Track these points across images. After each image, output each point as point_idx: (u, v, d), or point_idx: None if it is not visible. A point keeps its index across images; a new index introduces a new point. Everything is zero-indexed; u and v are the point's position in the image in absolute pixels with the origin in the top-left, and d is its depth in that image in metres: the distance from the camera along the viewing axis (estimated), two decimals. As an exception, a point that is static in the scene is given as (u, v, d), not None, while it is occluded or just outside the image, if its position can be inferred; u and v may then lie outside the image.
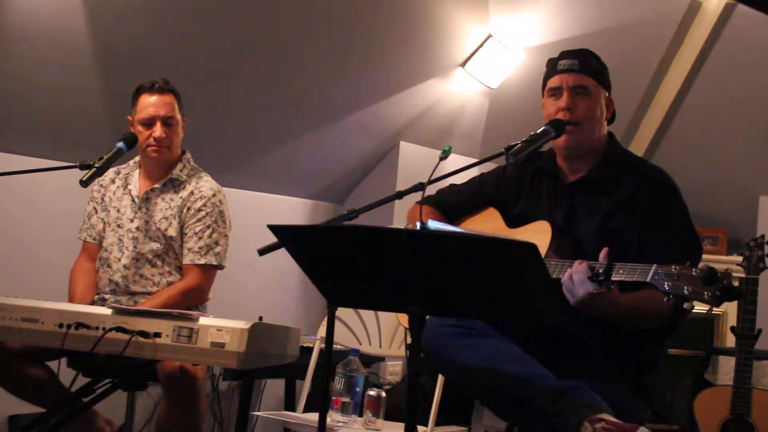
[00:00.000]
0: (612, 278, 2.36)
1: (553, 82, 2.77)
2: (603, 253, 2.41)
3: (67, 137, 4.04)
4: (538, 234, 2.70)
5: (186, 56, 4.06)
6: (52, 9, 3.61)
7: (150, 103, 3.40)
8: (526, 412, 2.42)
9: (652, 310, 2.49)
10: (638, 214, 2.64)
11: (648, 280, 2.27)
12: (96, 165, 3.09)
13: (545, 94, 2.82)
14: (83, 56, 3.82)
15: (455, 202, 3.03)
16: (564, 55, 2.79)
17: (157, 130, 3.39)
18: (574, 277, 2.41)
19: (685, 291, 2.19)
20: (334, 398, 3.07)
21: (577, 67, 2.74)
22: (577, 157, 2.79)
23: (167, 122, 3.41)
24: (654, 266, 2.27)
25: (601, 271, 2.36)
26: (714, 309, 2.25)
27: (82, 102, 3.97)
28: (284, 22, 4.21)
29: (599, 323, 2.58)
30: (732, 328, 4.20)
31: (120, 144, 3.26)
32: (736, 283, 2.65)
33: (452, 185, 3.08)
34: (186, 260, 3.42)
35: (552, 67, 2.80)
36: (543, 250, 2.62)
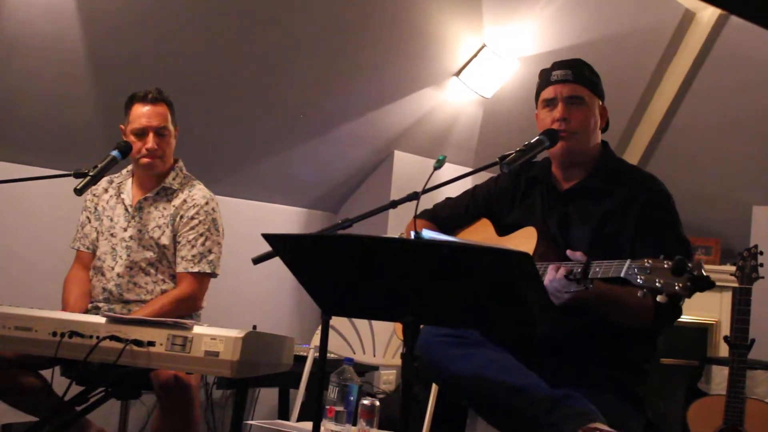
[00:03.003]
0: (589, 276, 2.38)
1: (547, 93, 2.78)
2: (578, 254, 2.43)
3: (62, 146, 4.04)
4: (524, 240, 2.71)
5: (180, 66, 4.07)
6: (46, 19, 3.61)
7: (143, 114, 3.39)
8: (521, 421, 2.42)
9: (633, 303, 2.48)
10: (631, 220, 2.65)
11: (622, 274, 2.29)
12: (90, 173, 3.09)
13: (539, 105, 2.83)
14: (78, 65, 3.82)
15: (450, 215, 3.05)
16: (557, 65, 2.80)
17: (150, 141, 3.39)
18: (555, 284, 2.43)
19: (656, 284, 2.20)
20: (327, 407, 3.06)
21: (571, 78, 2.75)
22: (571, 166, 2.81)
23: (160, 133, 3.41)
24: (628, 261, 2.29)
25: (578, 270, 2.38)
26: (684, 300, 2.24)
27: (77, 111, 3.97)
28: (278, 32, 4.22)
29: (591, 332, 2.59)
30: (725, 338, 4.21)
31: (114, 152, 3.25)
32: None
33: (447, 199, 3.10)
34: (179, 268, 3.42)
35: (545, 78, 2.81)
36: None
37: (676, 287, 2.17)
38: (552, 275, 2.45)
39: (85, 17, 3.68)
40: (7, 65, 3.68)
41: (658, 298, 2.20)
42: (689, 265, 2.16)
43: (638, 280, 2.24)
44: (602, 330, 2.59)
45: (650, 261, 2.23)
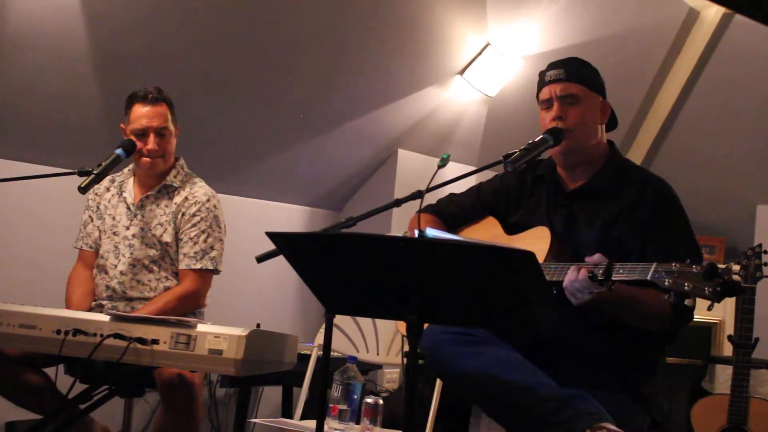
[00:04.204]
0: (613, 278, 2.37)
1: (543, 94, 2.79)
2: (596, 257, 2.42)
3: (66, 144, 4.04)
4: (537, 240, 2.70)
5: (184, 64, 4.07)
6: (51, 16, 3.61)
7: (143, 114, 3.39)
8: (528, 420, 2.42)
9: (653, 305, 2.50)
10: (638, 223, 2.65)
11: (648, 278, 2.28)
12: (94, 171, 3.09)
13: (539, 107, 2.83)
14: (82, 63, 3.82)
15: (454, 212, 3.04)
16: (551, 65, 2.81)
17: (150, 143, 3.39)
18: (576, 285, 2.41)
19: (685, 287, 2.20)
20: (331, 405, 3.06)
21: (563, 76, 2.75)
22: (575, 165, 2.80)
23: (160, 133, 3.41)
24: (654, 264, 2.28)
25: (600, 272, 2.37)
26: (714, 305, 2.24)
27: (81, 109, 3.97)
28: (282, 30, 4.22)
29: (599, 331, 2.59)
30: (729, 337, 4.20)
31: (118, 151, 3.26)
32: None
33: (451, 195, 3.09)
34: (182, 265, 3.42)
35: (541, 79, 2.82)
36: (542, 255, 2.62)
37: (706, 291, 2.17)
38: (573, 275, 2.43)
39: (89, 16, 3.68)
40: (11, 63, 3.68)
41: (687, 302, 2.20)
42: (720, 269, 2.16)
43: (665, 283, 2.23)
44: (610, 329, 2.59)
45: (677, 264, 2.23)
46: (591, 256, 2.45)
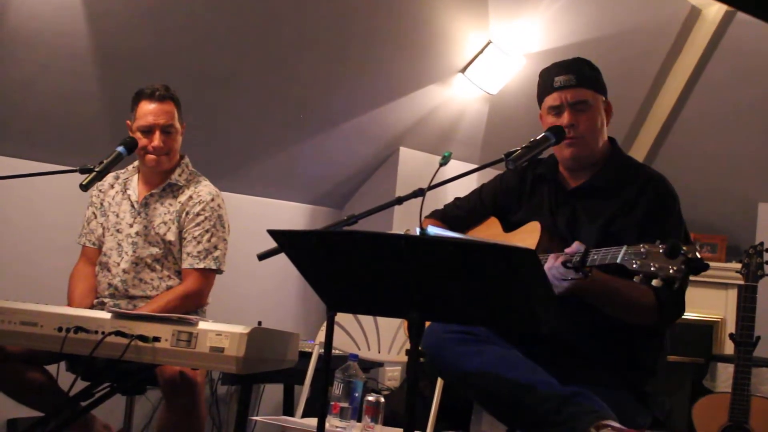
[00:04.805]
0: (587, 263, 2.38)
1: (553, 100, 2.76)
2: (575, 245, 2.44)
3: (68, 141, 4.04)
4: (529, 234, 2.73)
5: (186, 62, 4.07)
6: (53, 14, 3.61)
7: (149, 111, 3.39)
8: (531, 419, 2.42)
9: (633, 296, 2.51)
10: (637, 218, 2.65)
11: (618, 260, 2.29)
12: (96, 169, 3.08)
13: (545, 110, 2.81)
14: (84, 61, 3.82)
15: (459, 215, 3.06)
16: (559, 70, 2.77)
17: (156, 139, 3.39)
18: (553, 272, 2.43)
19: (651, 268, 2.20)
20: (332, 403, 3.06)
21: (574, 82, 2.73)
22: (579, 166, 2.80)
23: (166, 131, 3.41)
24: (624, 247, 2.29)
25: (577, 259, 2.39)
26: (680, 281, 2.24)
27: (83, 106, 3.97)
28: (284, 28, 4.22)
29: (599, 330, 2.59)
30: (731, 335, 4.20)
31: (120, 148, 3.26)
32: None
33: (456, 199, 3.11)
34: (185, 264, 3.42)
35: (548, 83, 2.78)
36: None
37: (671, 270, 2.17)
38: (550, 263, 2.46)
39: (91, 13, 3.68)
40: (13, 61, 3.68)
41: (654, 282, 2.20)
42: (683, 248, 2.16)
43: (634, 265, 2.24)
44: (611, 328, 2.59)
45: (646, 246, 2.24)
46: (570, 247, 2.46)
